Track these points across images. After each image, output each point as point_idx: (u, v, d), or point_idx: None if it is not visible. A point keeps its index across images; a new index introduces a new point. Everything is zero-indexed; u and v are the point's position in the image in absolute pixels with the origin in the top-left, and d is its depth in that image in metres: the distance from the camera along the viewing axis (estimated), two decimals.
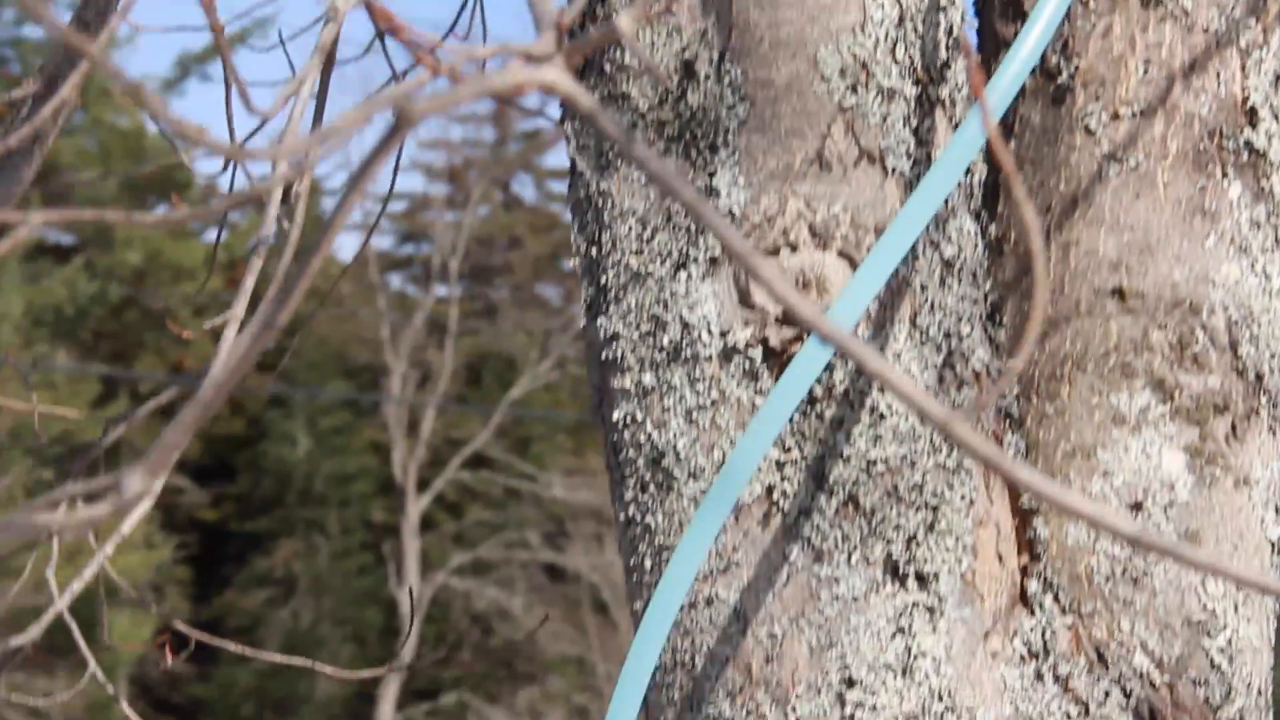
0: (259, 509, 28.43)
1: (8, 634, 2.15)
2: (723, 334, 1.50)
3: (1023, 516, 1.50)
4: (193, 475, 26.88)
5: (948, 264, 1.54)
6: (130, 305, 24.03)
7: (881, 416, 1.48)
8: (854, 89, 1.50)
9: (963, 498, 1.48)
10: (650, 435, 1.54)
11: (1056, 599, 1.48)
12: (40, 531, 0.67)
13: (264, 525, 28.02)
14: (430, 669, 29.25)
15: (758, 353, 1.49)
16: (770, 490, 1.49)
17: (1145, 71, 1.60)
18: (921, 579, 1.46)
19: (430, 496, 28.30)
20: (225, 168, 1.83)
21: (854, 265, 1.49)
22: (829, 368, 1.46)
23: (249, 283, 1.60)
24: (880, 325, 1.49)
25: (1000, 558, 1.49)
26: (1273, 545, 1.54)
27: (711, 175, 1.52)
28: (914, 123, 1.52)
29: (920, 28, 1.53)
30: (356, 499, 28.57)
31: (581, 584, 28.98)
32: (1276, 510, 1.55)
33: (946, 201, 1.53)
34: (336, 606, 28.43)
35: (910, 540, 1.46)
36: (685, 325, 1.51)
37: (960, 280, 1.54)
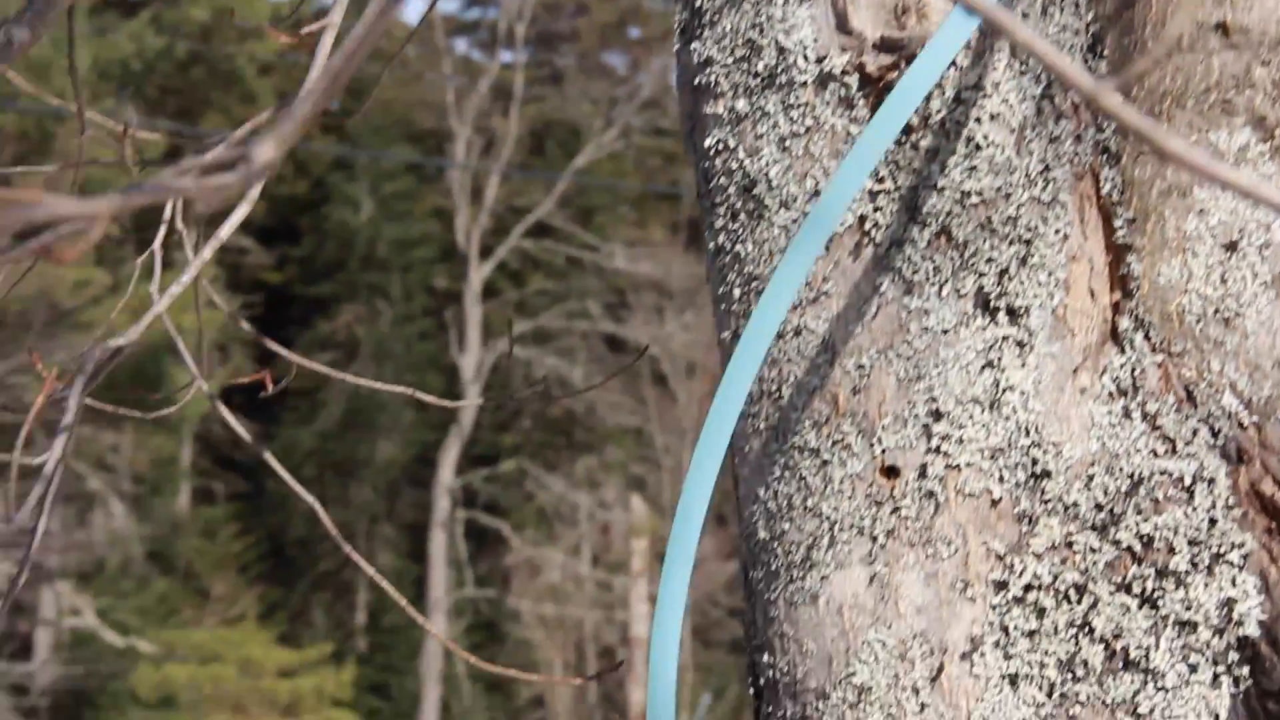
0: (322, 272, 28.66)
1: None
2: (819, 60, 1.48)
3: (1116, 252, 1.49)
4: (257, 236, 27.04)
5: None
6: (197, 62, 24.00)
7: (978, 148, 1.46)
8: None
9: (1057, 232, 1.46)
10: (742, 163, 1.52)
11: (1147, 337, 1.47)
12: (176, 195, 0.67)
13: (327, 289, 28.25)
14: (489, 435, 29.61)
15: (854, 80, 1.47)
16: (863, 221, 1.48)
17: None
18: (1012, 313, 1.45)
19: (492, 264, 28.43)
20: None
21: None
22: (926, 97, 1.44)
23: None
24: (980, 54, 1.47)
25: (1092, 294, 1.47)
26: None
27: None
28: None
29: None
30: (419, 265, 28.72)
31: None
32: None
33: None
34: (398, 371, 28.71)
35: (1002, 274, 1.45)
36: (781, 50, 1.49)
37: (1062, 10, 1.52)
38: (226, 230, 1.55)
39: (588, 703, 29.79)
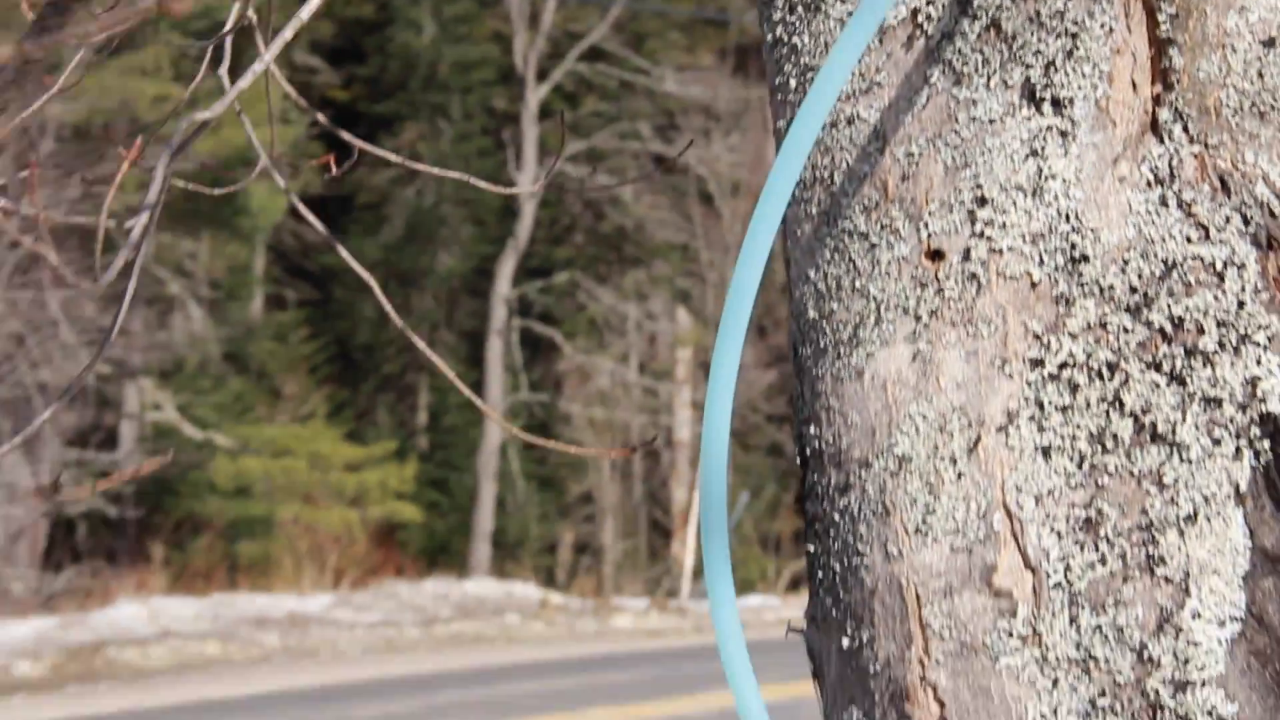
0: (386, 92, 28.57)
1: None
2: None
3: (1159, 46, 1.46)
4: (325, 56, 26.90)
5: None
6: None
7: None
8: None
9: (1102, 25, 1.44)
10: None
11: (1185, 129, 1.44)
12: None
13: (390, 107, 28.18)
14: (544, 249, 29.66)
15: None
16: (915, 13, 1.46)
17: None
18: (1057, 104, 1.44)
19: (549, 86, 28.27)
20: None
21: None
22: None
23: None
24: None
25: (1134, 86, 1.45)
26: None
27: None
28: None
29: None
30: (478, 86, 28.60)
31: (689, 175, 29.09)
32: None
33: None
34: (457, 188, 28.71)
35: (1049, 65, 1.43)
36: None
37: None
38: (307, 11, 1.53)
39: (633, 499, 30.14)
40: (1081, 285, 1.42)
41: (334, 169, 1.95)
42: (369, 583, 24.33)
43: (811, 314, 1.54)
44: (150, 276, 24.54)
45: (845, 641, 1.51)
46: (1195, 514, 1.39)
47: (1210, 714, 1.36)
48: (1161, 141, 1.44)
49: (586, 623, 23.33)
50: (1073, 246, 1.43)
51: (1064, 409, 1.42)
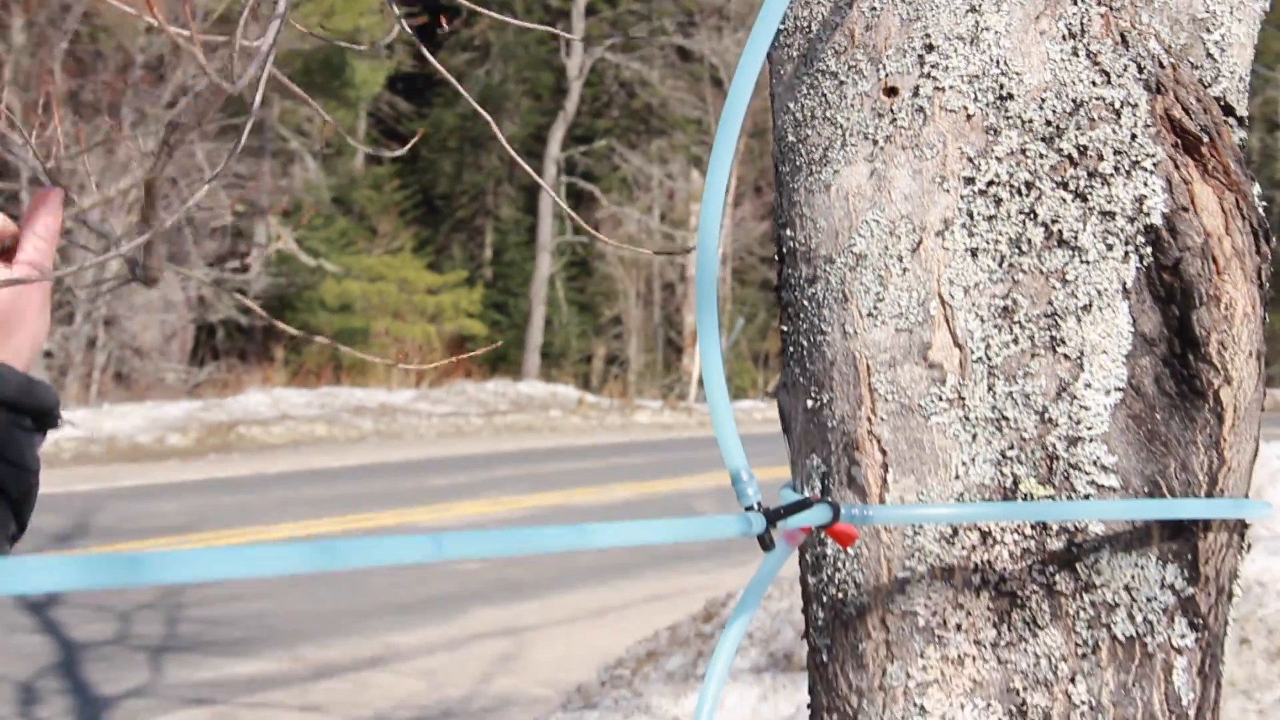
0: None
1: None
2: None
3: None
4: None
5: None
6: None
7: None
8: None
9: None
10: None
11: None
12: None
13: (464, 2, 27.82)
14: (587, 120, 29.43)
15: None
16: None
17: None
18: None
19: None
20: None
21: None
22: None
23: None
24: None
25: None
26: None
27: None
28: None
29: None
30: None
31: (704, 63, 28.75)
32: None
33: None
34: (519, 69, 28.51)
35: None
36: None
37: None
38: None
39: (653, 322, 30.23)
40: (1007, 118, 1.40)
41: (445, 27, 1.93)
42: (443, 383, 24.52)
43: (790, 138, 1.52)
44: (275, 133, 24.43)
45: (809, 402, 1.51)
46: (1090, 305, 1.38)
47: (1095, 463, 1.36)
48: (1075, 3, 1.41)
49: (614, 418, 23.51)
50: (1001, 86, 1.40)
51: (989, 218, 1.41)
